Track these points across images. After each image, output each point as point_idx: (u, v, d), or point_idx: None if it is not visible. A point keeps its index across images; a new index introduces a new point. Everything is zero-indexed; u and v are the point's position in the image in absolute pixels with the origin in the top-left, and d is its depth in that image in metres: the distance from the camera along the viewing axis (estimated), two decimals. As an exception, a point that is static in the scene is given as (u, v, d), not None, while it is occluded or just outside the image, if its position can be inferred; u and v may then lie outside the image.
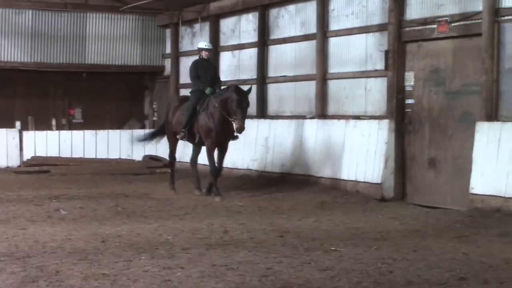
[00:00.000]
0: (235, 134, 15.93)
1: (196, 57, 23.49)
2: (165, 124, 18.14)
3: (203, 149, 16.93)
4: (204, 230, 12.10)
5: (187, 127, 16.17)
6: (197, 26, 24.51)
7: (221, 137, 15.94)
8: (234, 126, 15.38)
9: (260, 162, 19.00)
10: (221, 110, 15.49)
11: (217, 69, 17.13)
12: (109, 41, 26.08)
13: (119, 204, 15.47)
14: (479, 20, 14.68)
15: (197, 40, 24.14)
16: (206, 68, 16.62)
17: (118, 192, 17.73)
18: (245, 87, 16.54)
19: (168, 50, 26.42)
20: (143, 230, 12.11)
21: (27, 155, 23.52)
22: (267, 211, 14.56)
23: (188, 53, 25.15)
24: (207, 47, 16.98)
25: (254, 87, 19.91)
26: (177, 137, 16.94)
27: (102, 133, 24.64)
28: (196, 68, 16.58)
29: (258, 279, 8.43)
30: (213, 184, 16.08)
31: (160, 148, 24.58)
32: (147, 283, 8.23)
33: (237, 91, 15.34)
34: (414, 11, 16.40)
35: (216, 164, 16.06)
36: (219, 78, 17.13)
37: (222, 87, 16.66)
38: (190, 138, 16.47)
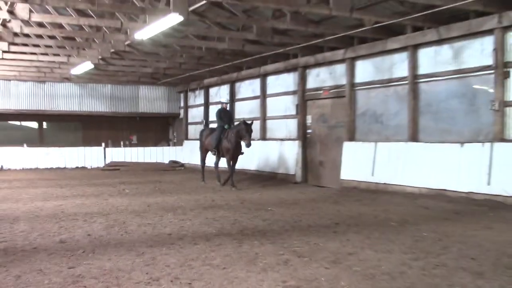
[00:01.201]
0: (242, 151, 14.91)
1: (198, 108, 23.59)
2: (200, 144, 17.02)
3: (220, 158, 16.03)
4: (201, 200, 12.10)
5: (216, 147, 15.43)
6: (197, 92, 24.41)
7: (235, 154, 15.00)
8: (245, 143, 14.40)
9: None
10: (236, 137, 14.69)
11: (232, 114, 16.14)
12: (151, 100, 26.07)
13: (156, 186, 15.43)
14: (344, 89, 14.95)
15: (198, 99, 24.34)
16: (225, 113, 15.84)
17: (155, 180, 17.55)
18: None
19: (181, 104, 26.19)
20: (169, 199, 12.14)
21: (108, 160, 23.43)
22: (235, 190, 14.39)
23: (192, 106, 25.04)
24: (226, 101, 16.30)
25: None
26: (210, 152, 15.97)
27: (147, 149, 24.47)
28: (220, 113, 15.78)
29: (230, 225, 8.58)
30: (230, 179, 15.00)
31: (178, 155, 24.66)
32: (172, 227, 8.36)
33: (245, 123, 14.52)
34: (311, 84, 16.59)
35: (232, 168, 15.08)
36: (233, 118, 16.13)
37: (235, 123, 15.81)
38: (217, 153, 15.62)
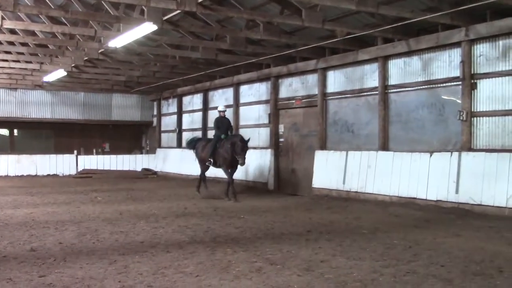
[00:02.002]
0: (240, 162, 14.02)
1: (171, 117, 23.49)
2: (196, 155, 15.73)
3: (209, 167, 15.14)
4: (174, 207, 12.07)
5: (211, 157, 14.53)
6: (170, 100, 24.27)
7: (232, 163, 14.09)
8: (239, 162, 13.73)
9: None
10: (232, 148, 13.84)
11: (229, 122, 15.22)
12: (124, 108, 25.84)
13: (129, 194, 15.32)
14: (316, 98, 15.07)
15: (171, 108, 24.18)
16: (223, 122, 14.90)
17: (128, 187, 17.42)
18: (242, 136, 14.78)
19: (155, 112, 25.99)
20: (141, 207, 12.06)
21: (80, 168, 23.11)
22: (208, 197, 14.35)
23: (165, 115, 24.89)
24: (223, 109, 15.14)
25: (200, 133, 19.97)
26: (206, 163, 14.87)
27: (120, 156, 24.21)
28: (217, 122, 14.95)
29: (202, 233, 8.53)
30: (228, 189, 14.13)
31: (151, 163, 24.42)
32: (144, 235, 8.29)
33: (241, 140, 13.86)
34: (283, 93, 16.69)
35: (231, 177, 14.16)
36: (232, 126, 15.22)
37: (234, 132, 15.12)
38: (213, 163, 14.65)
